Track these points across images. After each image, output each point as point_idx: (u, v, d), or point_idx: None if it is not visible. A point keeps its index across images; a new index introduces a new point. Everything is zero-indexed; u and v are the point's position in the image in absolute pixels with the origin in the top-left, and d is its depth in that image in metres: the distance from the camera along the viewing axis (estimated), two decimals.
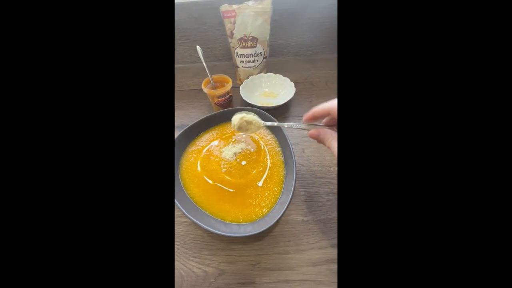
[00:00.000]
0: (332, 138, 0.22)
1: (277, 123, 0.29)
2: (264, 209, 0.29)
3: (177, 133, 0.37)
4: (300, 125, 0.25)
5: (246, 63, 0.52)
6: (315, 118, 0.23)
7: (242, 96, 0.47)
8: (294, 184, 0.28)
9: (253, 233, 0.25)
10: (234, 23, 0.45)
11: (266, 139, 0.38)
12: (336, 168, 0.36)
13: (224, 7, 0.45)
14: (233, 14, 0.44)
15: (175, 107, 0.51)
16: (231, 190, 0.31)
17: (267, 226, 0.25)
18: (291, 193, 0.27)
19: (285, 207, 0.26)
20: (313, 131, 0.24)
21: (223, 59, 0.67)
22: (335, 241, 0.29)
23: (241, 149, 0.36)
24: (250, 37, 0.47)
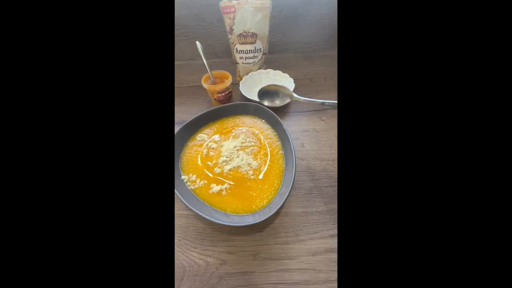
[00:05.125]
0: None
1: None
2: (264, 201, 0.30)
3: (177, 128, 0.37)
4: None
5: (245, 59, 0.52)
6: None
7: (242, 91, 0.48)
8: (294, 177, 0.29)
9: (254, 222, 0.25)
10: (234, 18, 0.46)
11: (266, 134, 0.38)
12: (335, 162, 0.37)
13: (224, 3, 0.45)
14: (232, 9, 0.44)
15: (175, 103, 0.52)
16: (231, 182, 0.32)
17: (267, 216, 0.25)
18: (291, 185, 0.28)
19: (285, 198, 0.27)
20: None
21: (222, 56, 0.67)
22: (334, 232, 0.29)
23: (241, 143, 0.36)
24: (250, 33, 0.47)
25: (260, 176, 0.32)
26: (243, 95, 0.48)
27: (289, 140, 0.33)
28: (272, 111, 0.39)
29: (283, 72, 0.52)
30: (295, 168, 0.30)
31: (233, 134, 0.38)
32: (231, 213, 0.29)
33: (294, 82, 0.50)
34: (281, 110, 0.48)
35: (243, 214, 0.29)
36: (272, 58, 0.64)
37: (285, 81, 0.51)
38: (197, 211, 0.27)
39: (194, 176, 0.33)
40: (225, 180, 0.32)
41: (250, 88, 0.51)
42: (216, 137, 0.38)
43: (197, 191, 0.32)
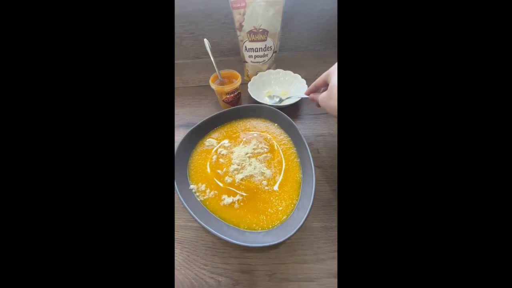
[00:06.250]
0: (318, 95, 0.29)
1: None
2: (281, 215, 0.27)
3: (184, 132, 0.35)
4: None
5: (255, 57, 0.49)
6: (317, 89, 0.31)
7: (251, 94, 0.45)
8: (314, 189, 0.26)
9: (272, 243, 0.23)
10: (244, 14, 0.42)
11: (280, 139, 0.36)
12: None
13: None
14: (243, 4, 0.41)
15: (181, 105, 0.49)
16: (244, 194, 0.29)
17: (287, 236, 0.23)
18: (311, 199, 0.25)
19: (306, 214, 0.24)
20: (311, 95, 0.32)
21: (228, 54, 0.64)
22: None
23: (253, 149, 0.34)
24: (261, 30, 0.44)
25: (275, 187, 0.30)
26: (251, 97, 0.45)
27: (306, 147, 0.31)
28: (284, 113, 0.36)
29: (294, 72, 0.49)
30: (315, 179, 0.27)
31: (244, 139, 0.36)
32: (244, 229, 0.27)
33: (306, 82, 0.47)
34: (293, 113, 0.45)
35: (258, 231, 0.26)
36: (281, 57, 0.61)
37: (296, 82, 0.48)
38: (207, 227, 0.25)
39: (204, 185, 0.31)
40: (237, 191, 0.30)
41: (259, 90, 0.48)
42: (226, 142, 0.36)
43: (207, 202, 0.29)
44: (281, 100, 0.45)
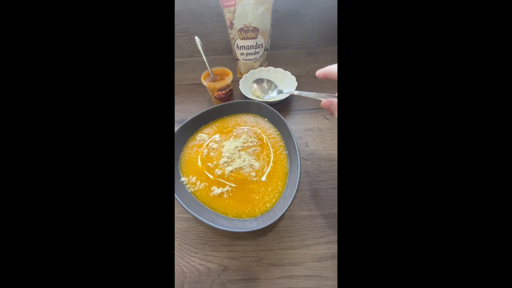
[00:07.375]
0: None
1: (292, 92, 0.35)
2: (268, 204, 0.28)
3: (176, 128, 0.36)
4: (313, 94, 0.29)
5: (246, 55, 0.50)
6: (327, 77, 0.23)
7: (242, 91, 0.46)
8: (299, 179, 0.28)
9: (257, 228, 0.24)
10: (234, 12, 0.44)
11: (269, 133, 0.37)
12: None
13: None
14: (232, 3, 0.42)
15: (175, 102, 0.50)
16: (233, 185, 0.31)
17: (271, 221, 0.24)
18: (296, 188, 0.27)
19: (290, 201, 0.25)
20: (326, 101, 0.24)
21: (222, 52, 0.65)
22: None
23: (243, 143, 0.35)
24: (251, 28, 0.46)
25: (263, 178, 0.31)
26: (242, 93, 0.46)
27: (293, 140, 0.32)
28: (274, 109, 0.37)
29: (285, 69, 0.50)
30: (300, 169, 0.29)
31: (234, 133, 0.37)
32: (233, 218, 0.28)
33: (297, 79, 0.48)
34: (284, 108, 0.46)
35: (246, 219, 0.27)
36: (274, 55, 0.62)
37: (287, 79, 0.49)
38: (197, 215, 0.26)
39: (194, 178, 0.32)
40: (226, 182, 0.31)
41: (250, 87, 0.49)
42: (217, 136, 0.37)
43: (197, 193, 0.30)
44: (280, 92, 0.42)
